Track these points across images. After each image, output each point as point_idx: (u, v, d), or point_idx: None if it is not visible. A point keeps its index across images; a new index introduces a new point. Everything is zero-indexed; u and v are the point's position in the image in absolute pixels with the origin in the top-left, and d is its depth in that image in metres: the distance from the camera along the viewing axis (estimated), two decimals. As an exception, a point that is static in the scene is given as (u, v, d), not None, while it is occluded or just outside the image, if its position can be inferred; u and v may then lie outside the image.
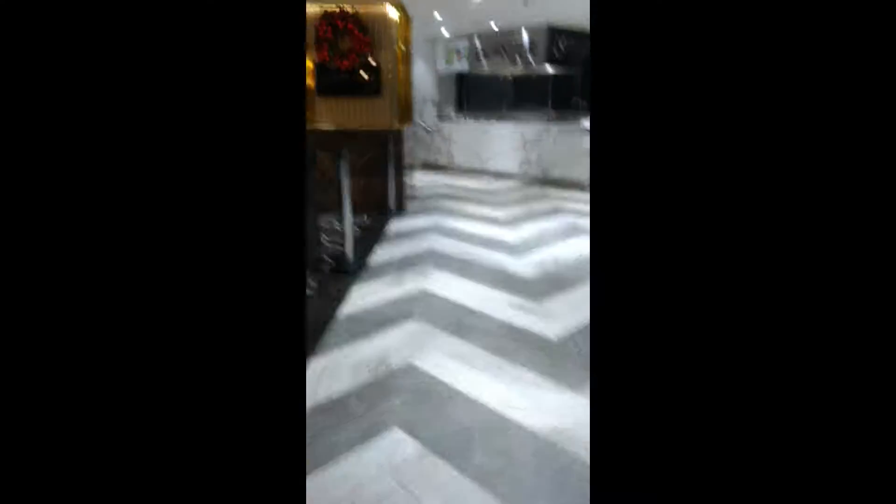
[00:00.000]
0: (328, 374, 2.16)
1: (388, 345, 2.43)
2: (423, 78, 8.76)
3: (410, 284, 3.24)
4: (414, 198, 6.28)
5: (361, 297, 3.03)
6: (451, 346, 2.41)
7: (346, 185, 3.44)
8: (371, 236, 4.45)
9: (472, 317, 2.75)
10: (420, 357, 2.30)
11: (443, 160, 8.81)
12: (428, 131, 8.85)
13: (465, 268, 3.57)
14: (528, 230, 4.70)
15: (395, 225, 4.90)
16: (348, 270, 3.48)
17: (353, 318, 2.73)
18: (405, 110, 5.78)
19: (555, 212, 5.50)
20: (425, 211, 5.54)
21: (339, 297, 3.02)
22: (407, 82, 5.98)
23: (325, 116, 5.54)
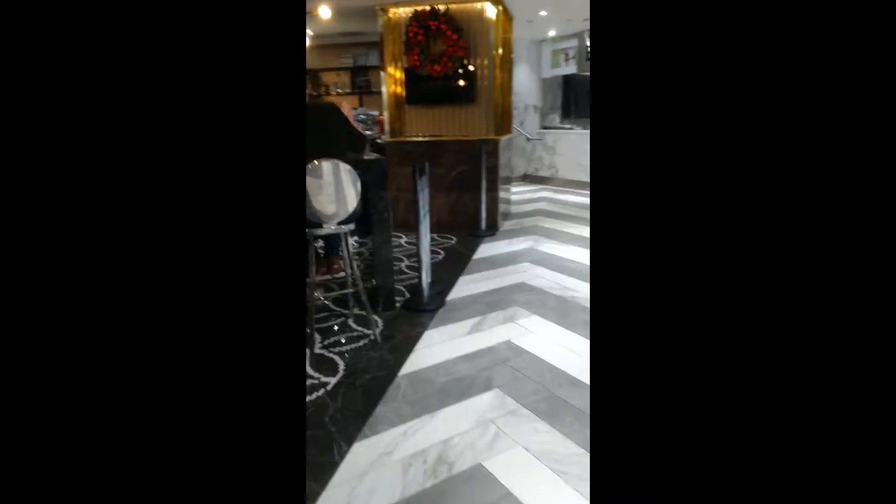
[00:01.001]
0: (373, 473, 1.63)
1: (455, 430, 1.85)
2: (526, 83, 8.12)
3: (494, 333, 2.65)
4: (509, 215, 5.67)
5: (431, 349, 2.49)
6: (537, 438, 1.77)
7: (423, 202, 2.93)
8: (456, 263, 3.91)
9: (571, 388, 2.09)
10: (492, 455, 1.70)
11: (545, 172, 8.09)
12: (529, 140, 8.18)
13: (565, 311, 2.90)
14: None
15: (485, 248, 4.33)
16: (422, 308, 2.97)
17: (416, 380, 2.20)
18: (503, 119, 5.20)
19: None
20: (521, 231, 4.91)
21: (405, 347, 2.51)
22: (506, 88, 5.40)
23: (415, 127, 5.13)
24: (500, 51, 4.85)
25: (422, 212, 2.94)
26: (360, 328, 2.74)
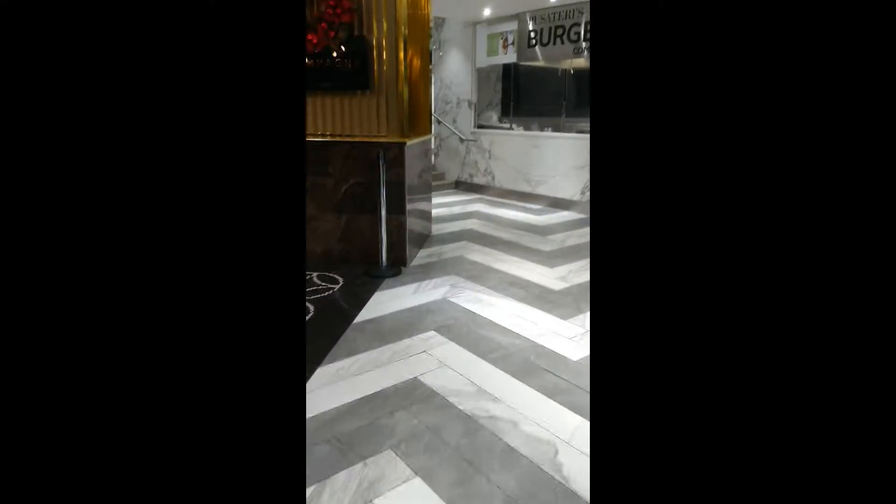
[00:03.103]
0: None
1: None
2: (459, 73, 6.86)
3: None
4: (429, 238, 4.37)
5: None
6: None
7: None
8: (323, 332, 2.55)
9: None
10: None
11: (480, 179, 6.85)
12: (463, 140, 6.92)
13: (481, 461, 1.61)
14: (604, 325, 2.67)
15: (379, 300, 2.99)
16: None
17: None
18: (416, 117, 3.87)
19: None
20: (438, 268, 3.60)
21: None
22: (422, 76, 4.07)
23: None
24: (409, 27, 3.51)
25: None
26: None
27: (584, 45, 5.40)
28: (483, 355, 2.33)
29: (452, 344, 2.44)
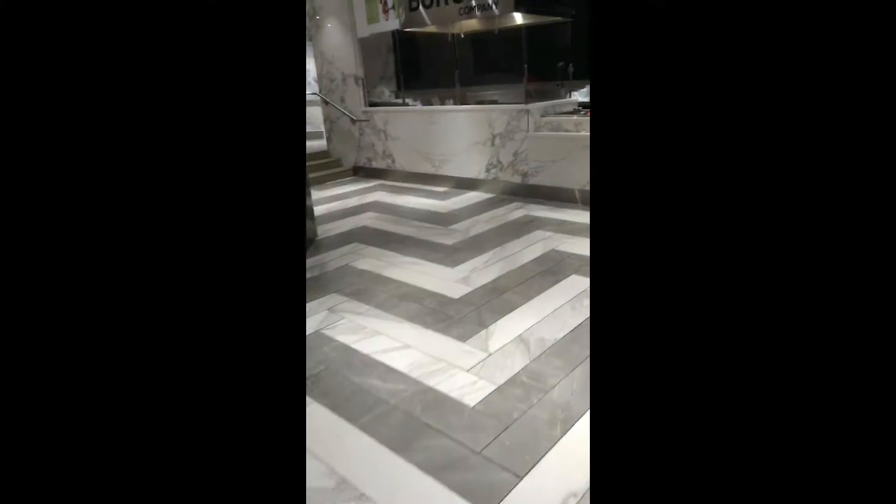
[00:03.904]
0: None
1: None
2: (341, 46, 6.08)
3: None
4: (313, 243, 3.72)
5: None
6: None
7: None
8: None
9: None
10: None
11: (379, 163, 6.20)
12: (355, 121, 6.21)
13: None
14: (520, 348, 2.19)
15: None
16: None
17: None
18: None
19: (557, 267, 3.00)
20: (315, 288, 2.97)
21: None
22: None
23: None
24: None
25: None
26: None
27: (472, 3, 4.80)
28: (354, 419, 1.77)
29: (316, 406, 1.86)
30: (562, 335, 2.24)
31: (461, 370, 2.03)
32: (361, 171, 6.47)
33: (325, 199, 5.29)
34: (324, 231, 4.12)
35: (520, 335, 2.26)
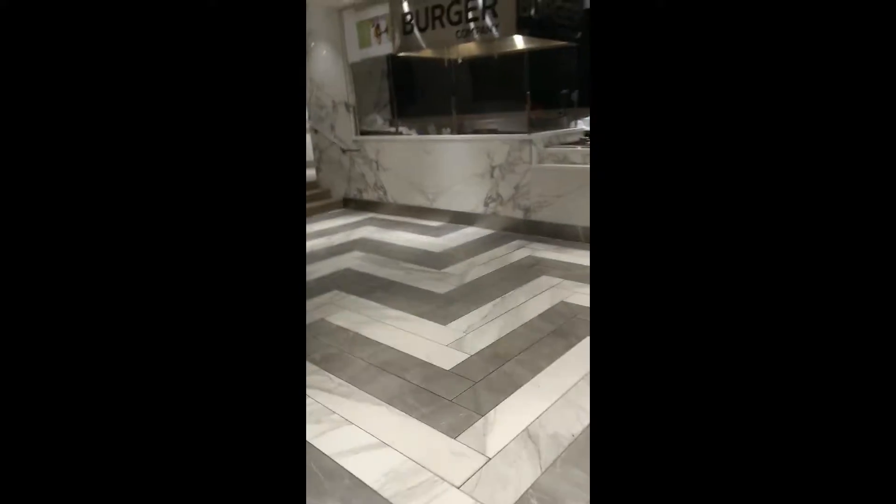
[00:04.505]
0: None
1: None
2: (330, 71, 5.72)
3: None
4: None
5: None
6: None
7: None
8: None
9: None
10: None
11: (370, 195, 5.78)
12: (345, 151, 5.81)
13: None
14: (527, 450, 1.70)
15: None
16: None
17: None
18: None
19: (567, 326, 2.52)
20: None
21: None
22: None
23: None
24: None
25: None
26: None
27: (471, 26, 4.43)
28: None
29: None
30: (580, 429, 1.75)
31: (451, 486, 1.54)
32: (352, 203, 6.05)
33: (311, 235, 4.84)
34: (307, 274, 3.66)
35: (526, 428, 1.78)
